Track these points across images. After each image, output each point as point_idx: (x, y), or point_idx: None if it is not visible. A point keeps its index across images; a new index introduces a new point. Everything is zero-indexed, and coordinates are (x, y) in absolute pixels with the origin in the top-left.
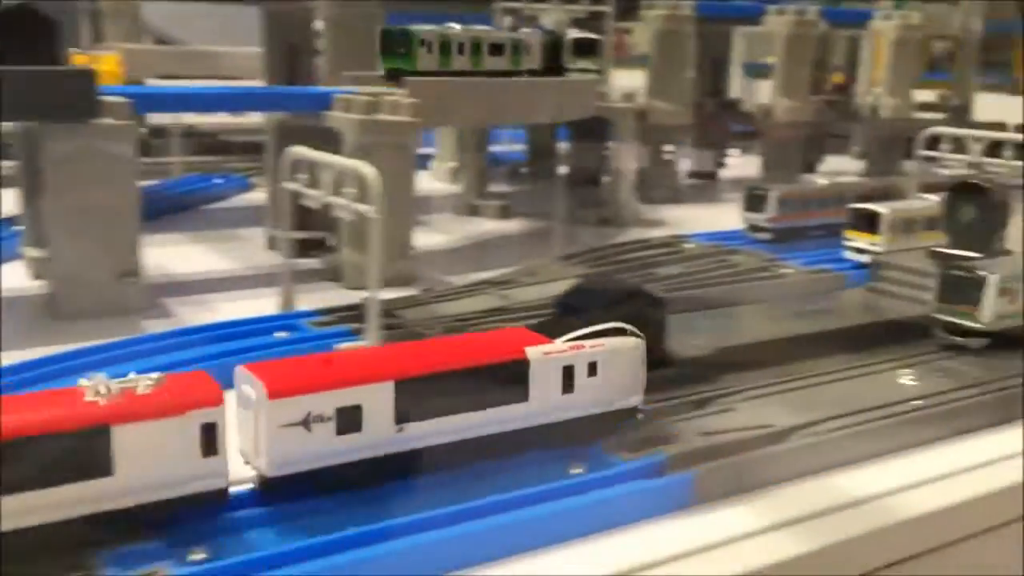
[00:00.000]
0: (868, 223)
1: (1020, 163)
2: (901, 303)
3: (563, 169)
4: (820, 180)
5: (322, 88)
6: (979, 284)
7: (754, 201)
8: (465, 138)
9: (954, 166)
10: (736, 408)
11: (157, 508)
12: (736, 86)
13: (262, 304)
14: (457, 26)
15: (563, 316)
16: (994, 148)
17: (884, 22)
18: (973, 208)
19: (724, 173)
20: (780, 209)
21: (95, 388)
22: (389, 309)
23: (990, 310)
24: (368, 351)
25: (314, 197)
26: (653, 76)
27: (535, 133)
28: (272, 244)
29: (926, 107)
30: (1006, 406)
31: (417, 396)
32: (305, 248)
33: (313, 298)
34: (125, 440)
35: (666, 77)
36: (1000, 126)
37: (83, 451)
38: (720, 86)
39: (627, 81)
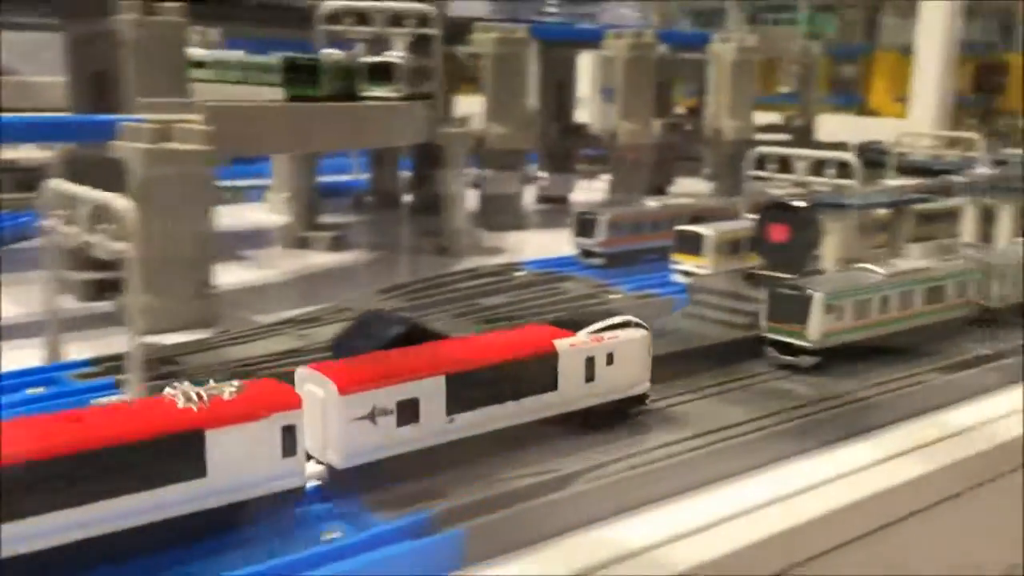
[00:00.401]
0: (694, 245)
1: (845, 181)
2: (715, 327)
3: (409, 198)
4: (652, 202)
5: (108, 116)
6: (806, 302)
7: (584, 226)
8: (292, 166)
9: (781, 185)
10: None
11: (244, 507)
12: (594, 110)
13: (28, 355)
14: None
15: (338, 356)
16: (820, 167)
17: (722, 44)
18: (784, 228)
19: (576, 197)
20: (611, 233)
21: (185, 395)
22: (172, 355)
23: (817, 328)
24: (417, 349)
25: (69, 235)
26: (490, 100)
27: (380, 161)
28: (66, 287)
29: (772, 128)
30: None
31: (464, 389)
32: (101, 290)
33: (98, 345)
34: (217, 443)
35: (503, 101)
36: (842, 146)
37: (181, 455)
38: (565, 110)
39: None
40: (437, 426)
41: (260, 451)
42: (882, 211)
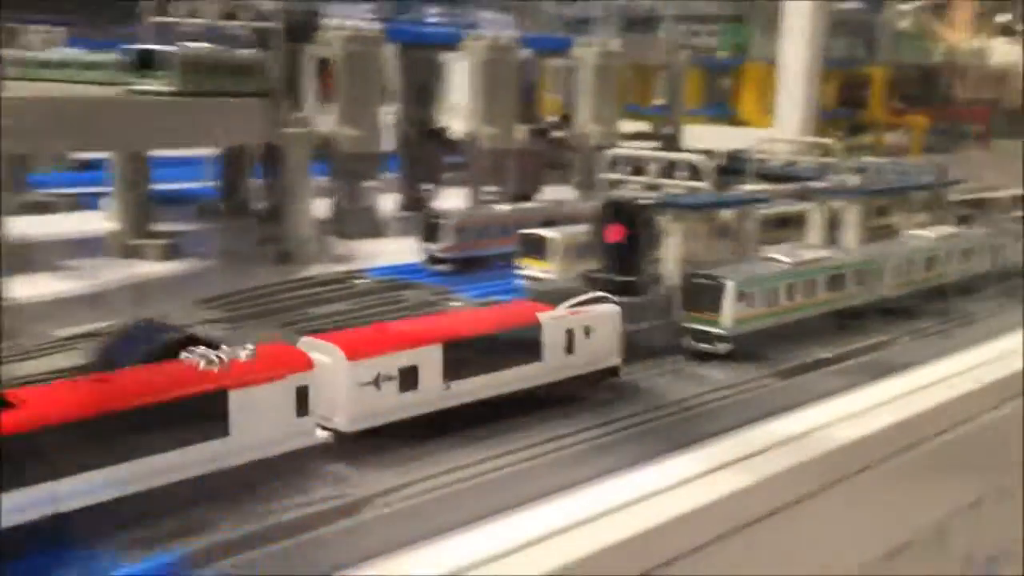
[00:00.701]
0: (538, 249)
1: (696, 183)
2: None
3: (262, 204)
4: (502, 206)
5: None
6: (719, 290)
7: (430, 231)
8: (118, 170)
9: (634, 187)
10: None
11: (263, 465)
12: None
13: None
14: None
15: (102, 368)
16: (672, 169)
17: (584, 49)
18: (621, 228)
19: (439, 204)
20: (457, 238)
21: (205, 358)
22: None
23: (730, 315)
24: (413, 321)
25: None
26: (342, 102)
27: (229, 166)
28: None
29: (641, 136)
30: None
31: (459, 357)
32: None
33: None
34: (238, 403)
35: (355, 104)
36: (708, 153)
37: (205, 414)
38: (426, 115)
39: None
40: (435, 393)
41: (277, 411)
42: (728, 214)
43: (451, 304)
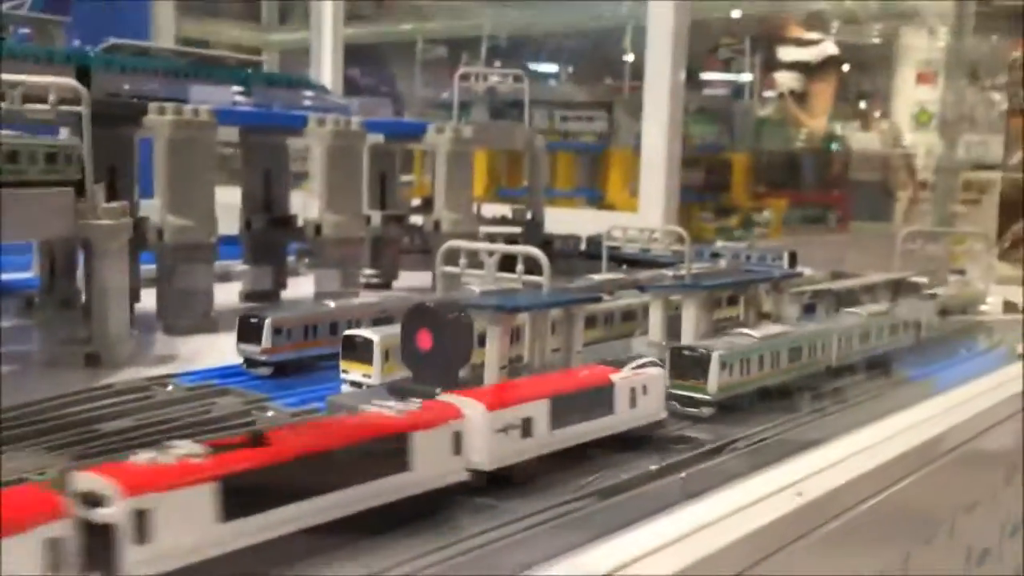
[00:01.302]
0: (361, 352)
1: (535, 278)
2: None
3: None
4: (330, 303)
5: None
6: (705, 360)
7: (247, 331)
8: None
9: (471, 281)
10: None
11: (432, 495)
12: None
13: None
14: None
15: None
16: (513, 261)
17: (437, 135)
18: (429, 335)
19: (289, 293)
20: (276, 340)
21: (386, 408)
22: None
23: (715, 381)
24: (522, 381)
25: None
26: (167, 189)
27: (50, 256)
28: None
29: (502, 221)
30: None
31: (560, 409)
32: None
33: None
34: (417, 444)
35: (183, 189)
36: (575, 238)
37: (394, 453)
38: (272, 200)
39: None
40: (544, 439)
41: (440, 452)
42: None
43: (267, 414)
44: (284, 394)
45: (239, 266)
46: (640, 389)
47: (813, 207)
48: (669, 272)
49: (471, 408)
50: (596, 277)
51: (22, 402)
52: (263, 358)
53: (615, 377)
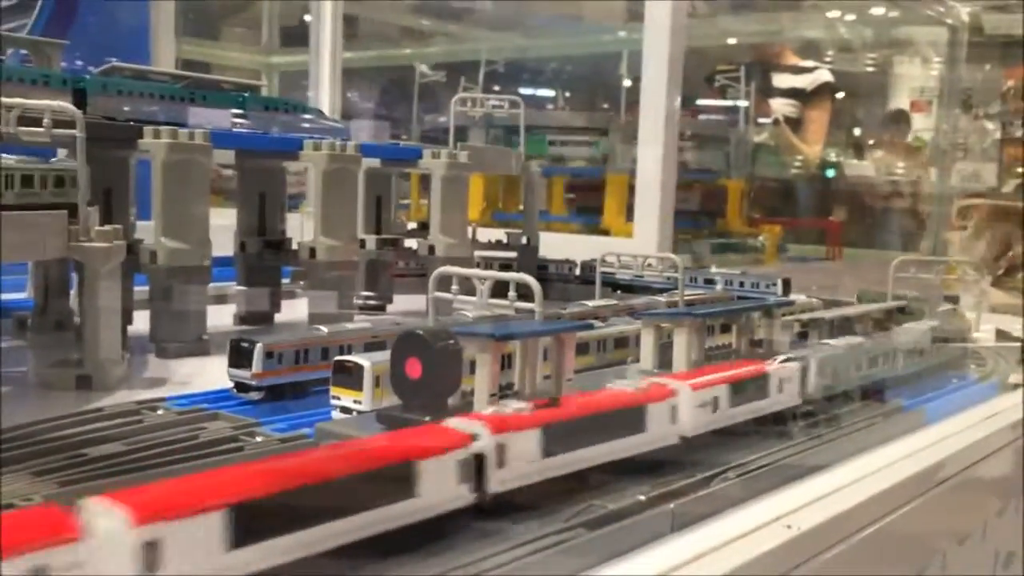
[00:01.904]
0: (352, 377)
1: (528, 304)
2: None
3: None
4: (322, 328)
5: None
6: None
7: (239, 355)
8: None
9: (464, 307)
10: None
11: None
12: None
13: None
14: None
15: None
16: (505, 288)
17: (432, 160)
18: (417, 363)
19: (284, 315)
20: (267, 364)
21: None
22: None
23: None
24: (708, 368)
25: None
26: (162, 211)
27: (43, 277)
28: None
29: (498, 246)
30: None
31: (735, 392)
32: None
33: None
34: (650, 413)
35: (177, 213)
36: (570, 263)
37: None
38: (267, 223)
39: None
40: (726, 413)
41: (663, 419)
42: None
43: (257, 440)
44: (274, 419)
45: (234, 287)
46: (786, 379)
47: (808, 233)
48: (662, 298)
49: (682, 388)
50: (590, 303)
51: (10, 425)
52: (254, 383)
53: (769, 368)
